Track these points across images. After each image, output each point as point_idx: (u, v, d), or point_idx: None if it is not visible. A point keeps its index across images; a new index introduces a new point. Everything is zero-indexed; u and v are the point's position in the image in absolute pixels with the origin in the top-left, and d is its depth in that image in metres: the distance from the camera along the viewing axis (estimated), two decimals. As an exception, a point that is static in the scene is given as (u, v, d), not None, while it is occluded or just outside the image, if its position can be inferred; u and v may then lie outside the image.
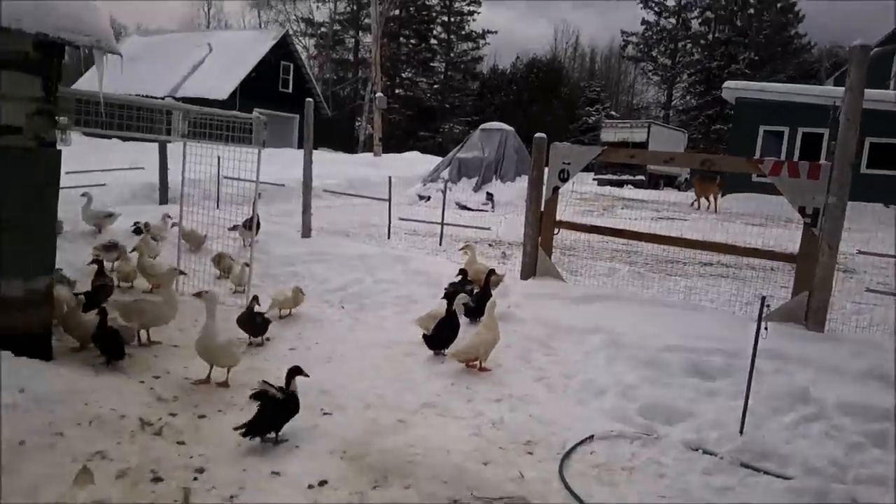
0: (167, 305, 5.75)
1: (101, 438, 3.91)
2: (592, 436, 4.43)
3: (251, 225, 8.61)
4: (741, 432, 4.39)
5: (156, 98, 8.34)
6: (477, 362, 5.53)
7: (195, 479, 3.66)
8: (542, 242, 7.77)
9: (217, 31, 49.91)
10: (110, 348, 5.05)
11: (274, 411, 4.13)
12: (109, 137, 9.56)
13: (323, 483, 3.72)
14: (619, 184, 30.11)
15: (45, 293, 4.86)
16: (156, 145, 13.16)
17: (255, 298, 6.15)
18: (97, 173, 12.94)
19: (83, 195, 9.43)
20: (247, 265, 7.36)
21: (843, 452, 4.17)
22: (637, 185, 30.10)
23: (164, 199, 13.50)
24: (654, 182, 31.14)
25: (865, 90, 6.06)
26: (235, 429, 4.02)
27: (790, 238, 9.15)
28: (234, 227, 9.41)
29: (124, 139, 13.31)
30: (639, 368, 5.44)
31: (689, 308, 7.07)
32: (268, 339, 6.08)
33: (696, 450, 4.28)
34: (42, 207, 4.88)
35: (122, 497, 3.36)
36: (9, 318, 4.65)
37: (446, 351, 5.71)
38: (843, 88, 6.24)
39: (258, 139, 7.03)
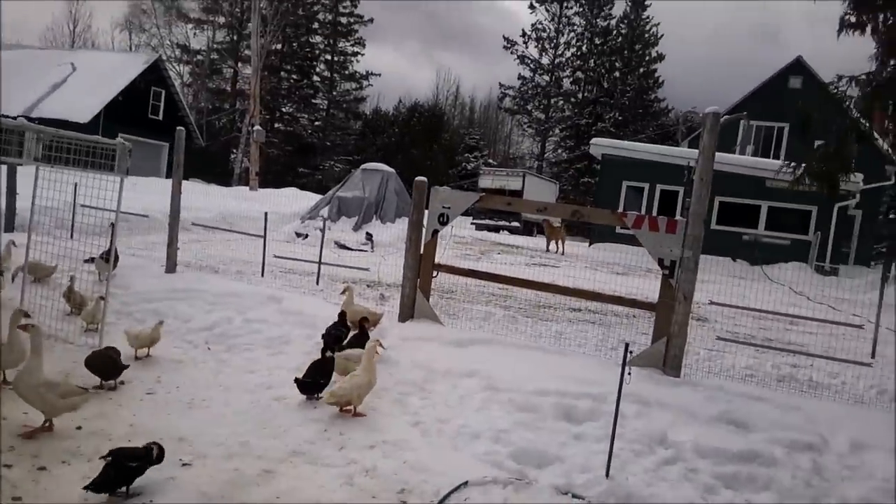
0: (12, 348, 5.15)
1: (-89, 498, 3.40)
2: (467, 482, 4.40)
3: (108, 257, 8.01)
4: (607, 475, 4.53)
5: (9, 117, 7.64)
6: (351, 407, 5.38)
7: (28, 542, 3.26)
8: (420, 285, 7.79)
9: (83, 51, 47.05)
10: None
11: (124, 465, 3.78)
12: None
13: (178, 542, 3.42)
14: (496, 229, 31.09)
15: None
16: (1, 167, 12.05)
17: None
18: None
19: None
20: (102, 299, 6.80)
21: (699, 495, 4.41)
22: (512, 230, 31.21)
23: (10, 227, 12.32)
24: (528, 229, 32.42)
25: (716, 153, 6.64)
26: (84, 487, 3.64)
27: (650, 287, 9.77)
28: (91, 260, 8.73)
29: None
30: (513, 412, 5.51)
31: (559, 352, 7.30)
32: (122, 383, 5.61)
33: (566, 493, 4.37)
34: None
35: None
36: None
37: (320, 394, 5.52)
38: (696, 151, 6.81)
39: (121, 167, 6.60)
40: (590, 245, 21.89)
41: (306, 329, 7.32)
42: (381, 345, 5.56)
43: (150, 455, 3.93)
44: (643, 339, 7.88)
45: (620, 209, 23.26)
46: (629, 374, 4.65)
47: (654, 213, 23.28)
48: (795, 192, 13.34)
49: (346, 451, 4.78)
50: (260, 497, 3.98)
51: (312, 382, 5.55)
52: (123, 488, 3.78)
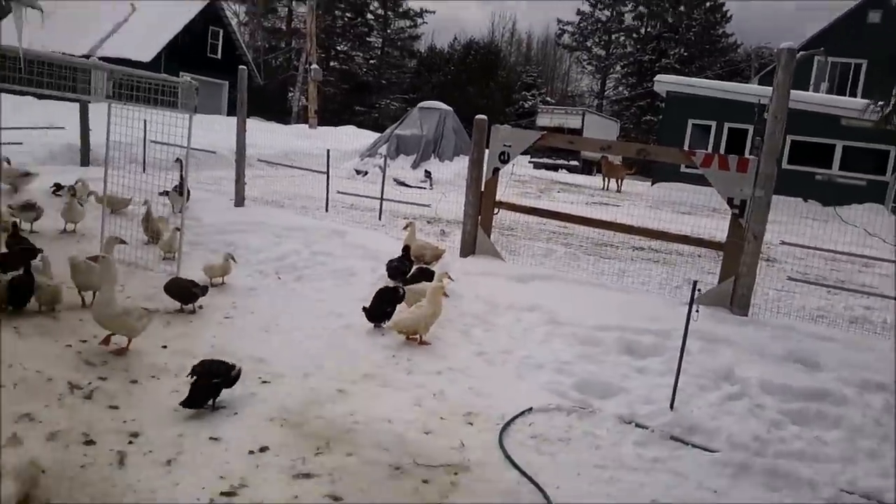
0: (105, 272, 5.44)
1: (28, 401, 3.72)
2: (531, 408, 4.52)
3: (182, 190, 8.29)
4: (671, 407, 4.57)
5: (74, 56, 7.86)
6: (417, 336, 5.54)
7: (130, 442, 3.53)
8: (481, 221, 7.83)
9: (142, -9, 47.47)
10: (16, 296, 4.94)
11: (210, 382, 4.02)
12: (23, 94, 8.94)
13: (264, 449, 3.65)
14: (555, 167, 30.67)
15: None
16: (74, 105, 12.47)
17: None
18: (10, 132, 12.13)
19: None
20: (177, 230, 7.09)
21: (765, 429, 4.41)
22: (571, 169, 30.74)
23: (85, 161, 12.84)
24: (587, 168, 31.87)
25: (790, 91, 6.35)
26: (180, 404, 3.91)
27: (716, 227, 9.55)
28: (165, 193, 9.06)
29: (39, 97, 12.51)
30: (575, 346, 5.58)
31: (621, 290, 7.29)
32: (200, 307, 5.89)
33: (630, 423, 4.44)
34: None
35: (54, 459, 3.21)
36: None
37: (386, 323, 5.69)
38: (768, 87, 6.53)
39: (189, 104, 6.74)
40: (652, 184, 21.39)
41: (370, 262, 7.49)
42: (449, 276, 5.64)
43: (233, 368, 4.15)
44: (709, 279, 7.78)
45: (686, 147, 22.54)
46: (697, 311, 4.62)
47: (722, 151, 22.50)
48: (872, 131, 12.66)
49: (413, 375, 4.95)
50: (336, 413, 4.19)
51: (380, 311, 5.72)
52: (210, 401, 4.03)
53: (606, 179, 21.30)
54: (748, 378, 5.02)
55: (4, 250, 5.82)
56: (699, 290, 4.79)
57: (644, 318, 6.11)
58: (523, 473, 3.73)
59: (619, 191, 20.65)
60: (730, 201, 6.64)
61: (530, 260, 8.25)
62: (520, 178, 18.80)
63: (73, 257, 5.49)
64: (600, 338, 5.70)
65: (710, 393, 4.88)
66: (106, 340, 4.74)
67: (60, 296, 5.29)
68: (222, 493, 3.20)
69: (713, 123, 23.93)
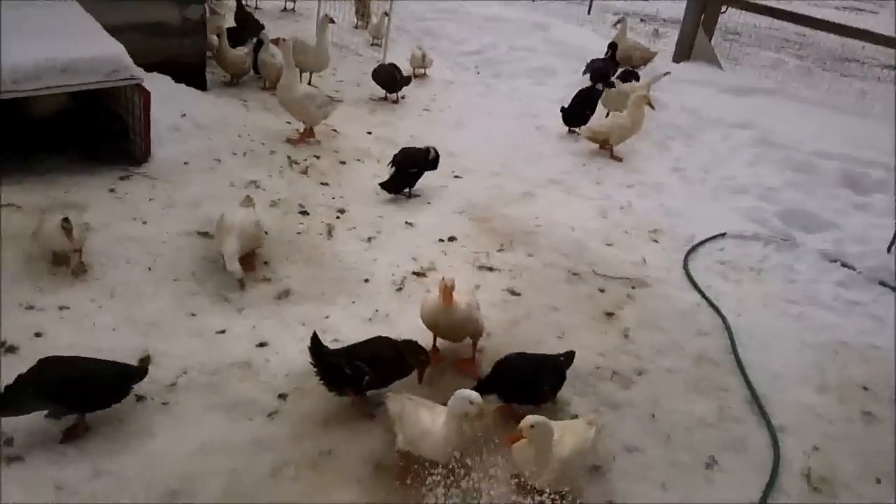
0: (319, 52, 5.70)
1: (254, 169, 4.22)
2: (724, 233, 4.31)
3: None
4: (889, 250, 4.12)
5: None
6: (609, 146, 5.33)
7: (337, 217, 3.94)
8: (704, 21, 6.98)
9: None
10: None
11: (408, 171, 4.26)
12: None
13: (452, 238, 3.91)
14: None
15: (198, 22, 4.98)
16: None
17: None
18: None
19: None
20: (386, 14, 7.13)
21: None
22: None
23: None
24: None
25: None
26: (379, 184, 4.21)
27: None
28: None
29: None
30: (786, 171, 5.09)
31: (857, 114, 6.36)
32: (403, 97, 6.08)
33: (835, 261, 4.10)
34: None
35: (275, 222, 3.70)
36: (166, 46, 4.85)
37: (580, 129, 5.52)
38: None
39: None
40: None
41: (572, 61, 7.12)
42: (650, 104, 5.17)
43: (428, 154, 4.34)
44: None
45: None
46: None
47: None
48: None
49: (602, 186, 4.87)
50: (520, 213, 4.31)
51: (577, 113, 5.51)
52: (406, 190, 4.31)
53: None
54: None
55: (233, 24, 6.25)
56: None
57: (878, 149, 5.35)
58: (704, 296, 3.68)
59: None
60: None
61: (753, 71, 7.36)
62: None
63: (292, 38, 5.79)
64: (819, 165, 5.13)
65: (941, 242, 4.30)
66: (299, 138, 4.77)
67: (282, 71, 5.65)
68: (414, 273, 3.53)
69: None
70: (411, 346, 2.62)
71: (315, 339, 2.47)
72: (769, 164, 5.21)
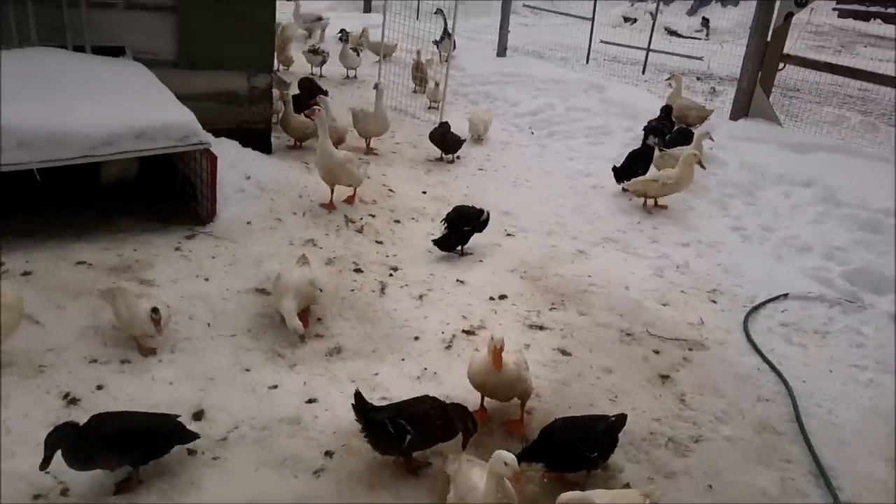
0: (378, 117, 5.92)
1: (312, 228, 4.36)
2: (787, 294, 4.17)
3: (447, 37, 8.47)
4: (965, 315, 3.90)
5: None
6: (654, 198, 5.28)
7: (390, 275, 4.01)
8: (761, 79, 6.91)
9: None
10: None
11: (461, 230, 4.31)
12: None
13: (503, 297, 3.91)
14: (866, 17, 25.52)
15: (265, 90, 5.26)
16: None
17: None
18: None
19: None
20: (437, 84, 7.30)
21: None
22: (889, 19, 25.33)
23: (367, 8, 13.65)
24: (911, 17, 26.00)
25: None
26: (433, 241, 4.27)
27: None
28: (436, 42, 9.30)
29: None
30: (854, 230, 4.92)
31: (928, 170, 6.13)
32: (458, 157, 6.21)
33: (906, 325, 3.90)
34: (265, 4, 5.08)
35: (330, 279, 3.78)
36: (235, 112, 5.13)
37: (626, 183, 5.48)
38: None
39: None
40: None
41: (627, 120, 7.15)
42: (710, 138, 5.10)
43: (481, 214, 4.39)
44: None
45: None
46: None
47: None
48: None
49: (657, 244, 4.81)
50: (574, 272, 4.29)
51: (629, 170, 5.50)
52: (459, 248, 4.36)
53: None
54: None
55: (297, 91, 6.57)
56: None
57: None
58: (766, 360, 3.54)
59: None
60: None
61: (814, 128, 7.21)
62: (817, 28, 16.06)
63: (353, 108, 6.05)
64: (887, 224, 4.93)
65: None
66: (329, 205, 4.65)
67: (345, 135, 5.87)
68: (464, 331, 3.53)
69: None
70: (460, 410, 2.59)
71: (358, 396, 2.49)
72: (834, 223, 5.05)
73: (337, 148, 5.45)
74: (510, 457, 2.15)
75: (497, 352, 2.66)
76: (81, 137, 3.60)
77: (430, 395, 2.70)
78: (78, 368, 2.89)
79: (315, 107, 4.74)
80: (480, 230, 4.43)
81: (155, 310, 2.91)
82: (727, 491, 2.68)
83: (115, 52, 4.66)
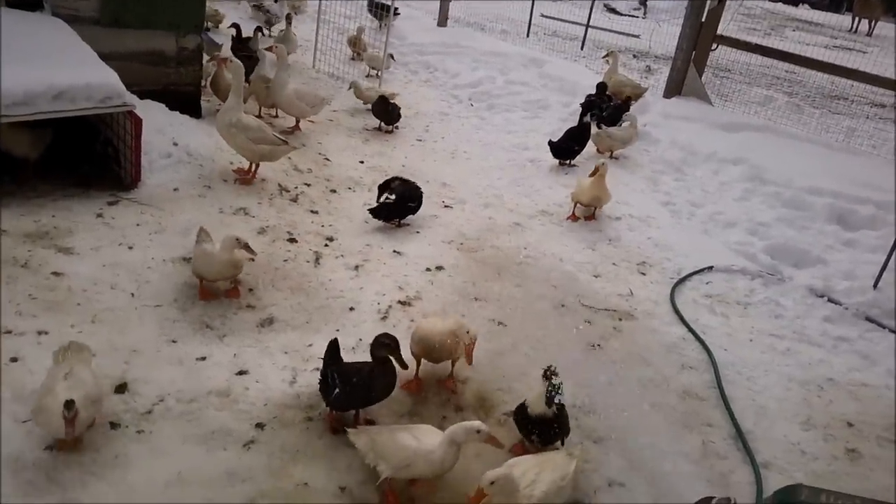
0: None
1: (244, 196, 4.23)
2: (711, 266, 4.32)
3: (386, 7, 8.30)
4: (875, 286, 4.13)
5: None
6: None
7: (326, 245, 3.94)
8: (695, 58, 7.08)
9: None
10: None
11: (406, 204, 4.27)
12: None
13: (440, 268, 3.91)
14: (795, 2, 26.41)
15: (194, 51, 5.03)
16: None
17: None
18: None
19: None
20: (392, 56, 7.10)
21: None
22: (815, 4, 26.31)
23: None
24: (836, 2, 27.07)
25: None
26: (370, 210, 4.21)
27: None
28: (377, 8, 9.09)
29: None
30: (777, 207, 5.13)
31: (847, 151, 6.43)
32: (397, 128, 6.13)
33: (822, 296, 4.10)
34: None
35: (263, 250, 3.68)
36: (162, 74, 4.90)
37: (573, 160, 5.54)
38: None
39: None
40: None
41: (565, 96, 7.22)
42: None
43: (420, 194, 4.36)
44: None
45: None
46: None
47: None
48: None
49: (592, 218, 4.89)
50: (510, 245, 4.32)
51: (566, 147, 5.57)
52: (396, 220, 4.32)
53: (857, 20, 17.89)
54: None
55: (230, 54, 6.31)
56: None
57: (866, 185, 5.39)
58: (691, 330, 3.67)
59: (869, 34, 17.36)
60: None
61: (743, 108, 7.45)
62: (749, 12, 16.52)
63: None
64: (808, 202, 5.16)
65: (928, 279, 4.31)
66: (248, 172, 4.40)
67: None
68: (399, 302, 3.51)
69: None
70: (376, 340, 2.57)
71: (332, 344, 2.61)
72: (759, 200, 5.25)
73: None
74: (479, 423, 2.26)
75: (469, 348, 2.77)
76: (-7, 96, 3.37)
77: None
78: (-10, 339, 2.73)
79: (226, 57, 4.63)
80: (416, 212, 4.40)
81: (69, 403, 2.15)
82: (652, 454, 2.77)
83: (33, 6, 4.37)
